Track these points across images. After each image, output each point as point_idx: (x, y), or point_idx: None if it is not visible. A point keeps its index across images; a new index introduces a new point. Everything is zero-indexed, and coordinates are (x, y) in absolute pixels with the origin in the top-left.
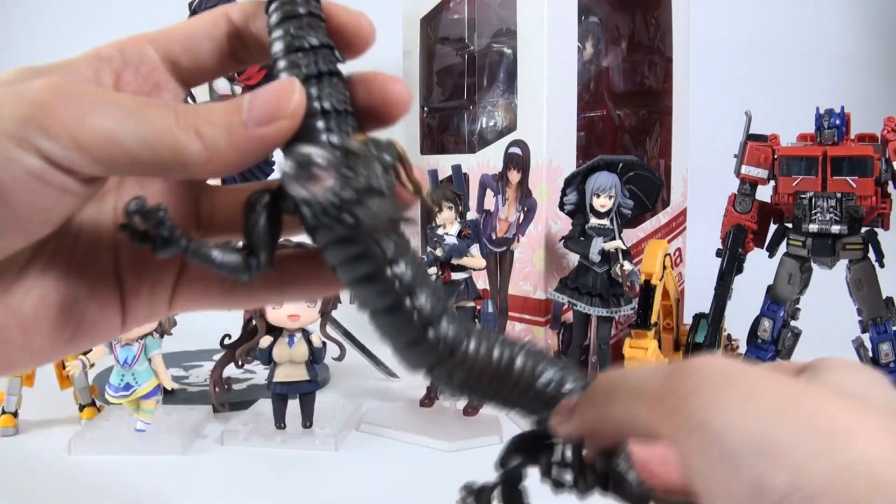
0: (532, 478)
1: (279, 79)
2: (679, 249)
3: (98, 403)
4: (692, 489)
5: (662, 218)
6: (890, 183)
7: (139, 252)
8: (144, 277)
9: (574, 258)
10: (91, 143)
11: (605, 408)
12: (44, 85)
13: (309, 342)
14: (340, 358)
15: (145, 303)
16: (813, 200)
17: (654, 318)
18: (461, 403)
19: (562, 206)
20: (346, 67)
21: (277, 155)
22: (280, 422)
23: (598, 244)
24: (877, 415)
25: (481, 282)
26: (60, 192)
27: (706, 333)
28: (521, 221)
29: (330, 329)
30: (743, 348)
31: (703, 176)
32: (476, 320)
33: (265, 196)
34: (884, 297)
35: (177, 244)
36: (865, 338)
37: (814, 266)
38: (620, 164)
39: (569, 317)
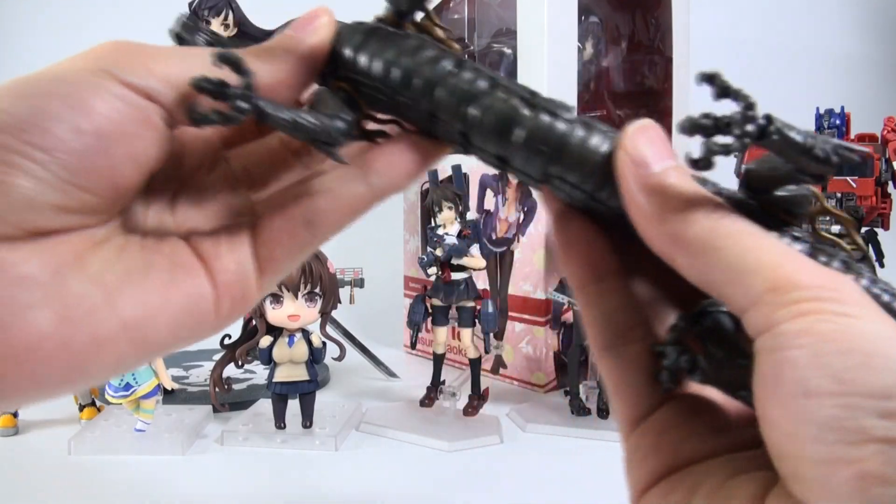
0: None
1: None
2: None
3: (98, 403)
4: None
5: None
6: (890, 183)
7: (209, 231)
8: (220, 254)
9: None
10: (163, 72)
11: (744, 250)
12: (105, 44)
13: (309, 342)
14: (340, 358)
15: (235, 281)
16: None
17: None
18: (461, 403)
19: None
20: None
21: None
22: (280, 422)
23: None
24: None
25: (481, 282)
26: (146, 123)
27: None
28: (521, 221)
29: (330, 329)
30: None
31: (704, 176)
32: (476, 320)
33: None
34: None
35: (249, 102)
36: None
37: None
38: None
39: (569, 317)
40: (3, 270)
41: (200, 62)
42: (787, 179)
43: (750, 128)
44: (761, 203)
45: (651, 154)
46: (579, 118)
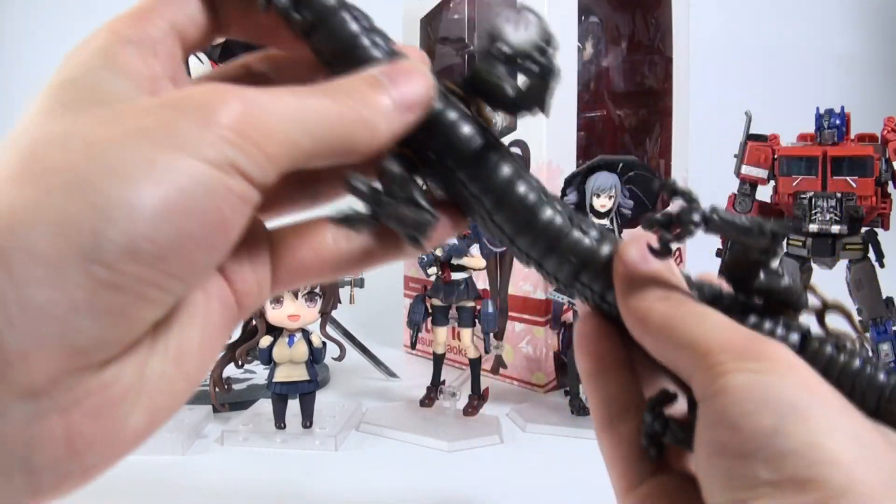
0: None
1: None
2: (679, 249)
3: None
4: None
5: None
6: (890, 183)
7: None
8: (244, 274)
9: None
10: (279, 154)
11: (685, 328)
12: (224, 98)
13: (309, 342)
14: (340, 358)
15: (253, 297)
16: (813, 200)
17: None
18: (461, 403)
19: None
20: None
21: None
22: (280, 422)
23: None
24: None
25: (481, 282)
26: (249, 207)
27: None
28: None
29: (330, 329)
30: None
31: (703, 176)
32: (476, 320)
33: (388, 155)
34: (884, 297)
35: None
36: (866, 338)
37: (814, 266)
38: (620, 164)
39: (569, 317)
40: (106, 389)
41: (312, 113)
42: (756, 263)
43: (696, 217)
44: (758, 295)
45: (635, 254)
46: (599, 230)
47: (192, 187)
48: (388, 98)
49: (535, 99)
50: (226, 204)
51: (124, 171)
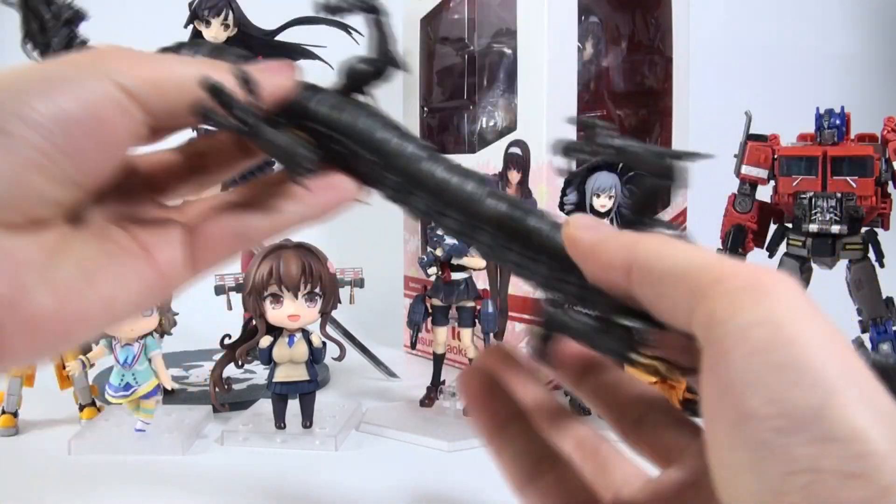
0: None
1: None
2: None
3: (98, 403)
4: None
5: (662, 218)
6: (890, 183)
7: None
8: (158, 246)
9: None
10: (152, 77)
11: (661, 260)
12: (100, 48)
13: (309, 342)
14: (340, 358)
15: (171, 271)
16: (813, 200)
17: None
18: (461, 403)
19: (562, 206)
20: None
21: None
22: (280, 422)
23: None
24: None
25: (481, 282)
26: (125, 115)
27: None
28: None
29: (330, 329)
30: None
31: (703, 176)
32: (476, 320)
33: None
34: (884, 297)
35: (246, 119)
36: (865, 338)
37: (814, 266)
38: (620, 164)
39: None
40: (11, 255)
41: (186, 69)
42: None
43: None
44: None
45: (583, 224)
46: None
47: (84, 93)
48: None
49: (384, 53)
50: (100, 98)
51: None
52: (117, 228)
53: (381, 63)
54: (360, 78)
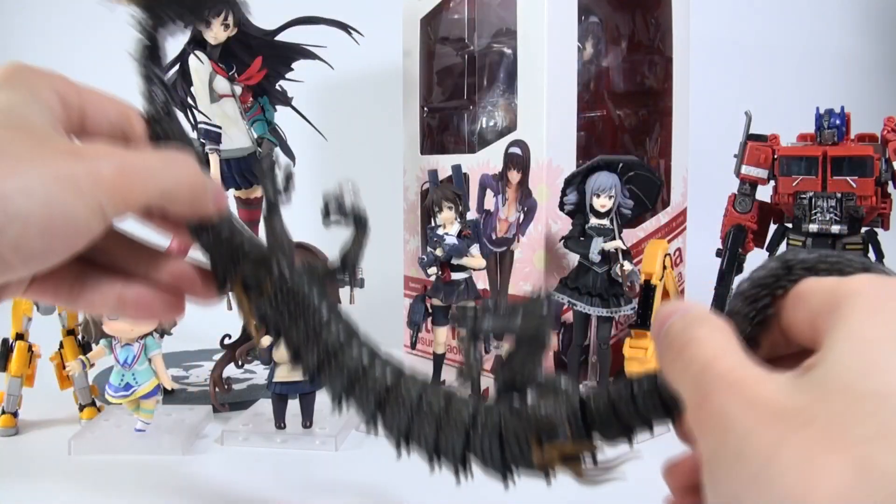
0: None
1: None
2: (679, 249)
3: (98, 403)
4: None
5: (662, 218)
6: (890, 183)
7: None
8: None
9: (574, 258)
10: (137, 206)
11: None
12: (108, 155)
13: None
14: None
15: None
16: (813, 200)
17: (654, 318)
18: None
19: (562, 206)
20: (344, 71)
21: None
22: (280, 422)
23: (598, 244)
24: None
25: (481, 282)
26: (94, 235)
27: None
28: (521, 221)
29: None
30: None
31: (703, 176)
32: None
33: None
34: None
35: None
36: None
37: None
38: (620, 164)
39: (569, 317)
40: None
41: (169, 178)
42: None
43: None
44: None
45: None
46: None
47: (58, 206)
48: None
49: (349, 262)
50: (74, 226)
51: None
52: None
53: (343, 271)
54: (322, 273)
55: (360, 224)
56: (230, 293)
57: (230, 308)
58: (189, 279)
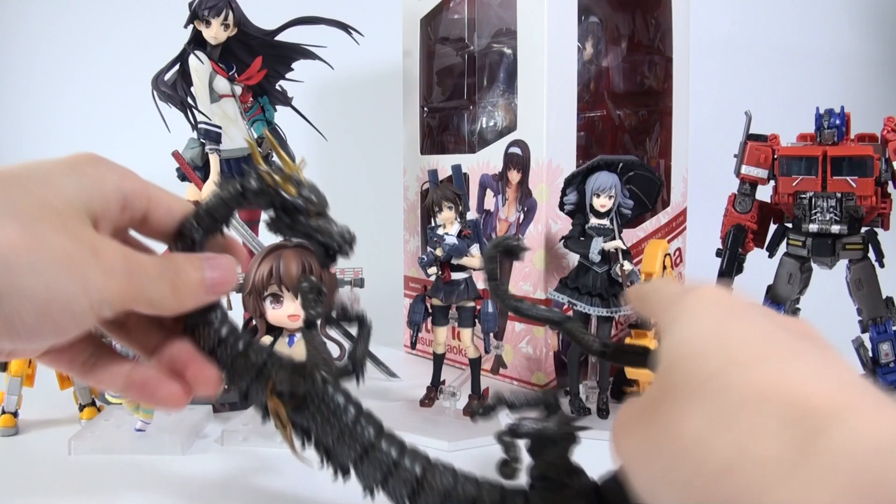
0: None
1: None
2: (679, 249)
3: (98, 403)
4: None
5: (662, 218)
6: (890, 183)
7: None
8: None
9: (574, 258)
10: (128, 306)
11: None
12: (112, 281)
13: None
14: (340, 358)
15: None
16: (813, 200)
17: (654, 318)
18: (461, 403)
19: (562, 206)
20: (344, 71)
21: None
22: None
23: (598, 244)
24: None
25: (481, 282)
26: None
27: None
28: (521, 221)
29: (330, 329)
30: None
31: (703, 176)
32: (476, 320)
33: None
34: (884, 297)
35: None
36: (865, 338)
37: (814, 266)
38: (620, 164)
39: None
40: None
41: (154, 290)
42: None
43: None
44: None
45: None
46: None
47: (61, 293)
48: (201, 275)
49: (361, 353)
50: (72, 320)
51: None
52: None
53: (352, 366)
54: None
55: (362, 325)
56: (262, 404)
57: (230, 308)
58: (195, 363)
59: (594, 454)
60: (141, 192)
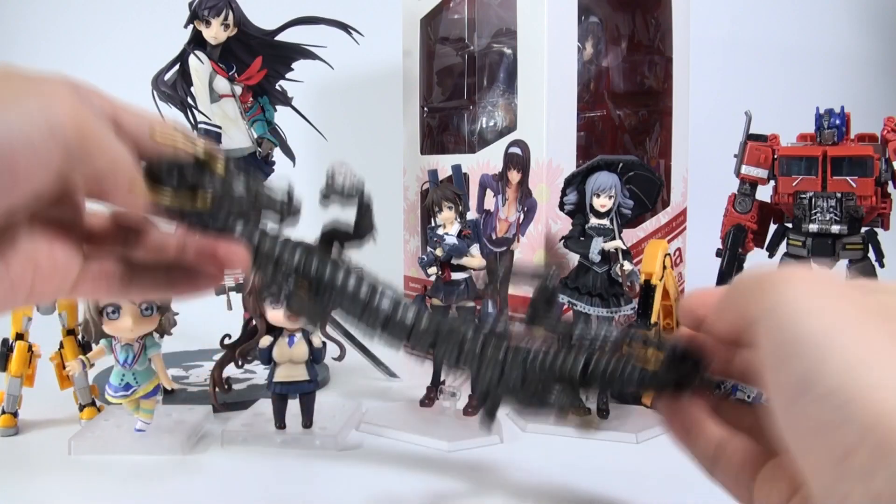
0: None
1: None
2: (679, 249)
3: (98, 403)
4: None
5: (662, 218)
6: (890, 183)
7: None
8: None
9: (574, 258)
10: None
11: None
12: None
13: (309, 342)
14: (340, 358)
15: (51, 284)
16: (813, 200)
17: (654, 318)
18: (461, 403)
19: (562, 206)
20: (344, 71)
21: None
22: (280, 422)
23: (598, 244)
24: None
25: (481, 282)
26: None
27: None
28: (521, 221)
29: (330, 329)
30: None
31: (703, 176)
32: (476, 320)
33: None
34: None
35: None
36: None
37: (814, 266)
38: (620, 164)
39: (569, 317)
40: None
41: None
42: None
43: None
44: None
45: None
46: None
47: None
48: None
49: (366, 227)
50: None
51: None
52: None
53: (359, 235)
54: (338, 237)
55: (362, 199)
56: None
57: (230, 308)
58: (220, 244)
59: (594, 454)
60: (107, 105)
